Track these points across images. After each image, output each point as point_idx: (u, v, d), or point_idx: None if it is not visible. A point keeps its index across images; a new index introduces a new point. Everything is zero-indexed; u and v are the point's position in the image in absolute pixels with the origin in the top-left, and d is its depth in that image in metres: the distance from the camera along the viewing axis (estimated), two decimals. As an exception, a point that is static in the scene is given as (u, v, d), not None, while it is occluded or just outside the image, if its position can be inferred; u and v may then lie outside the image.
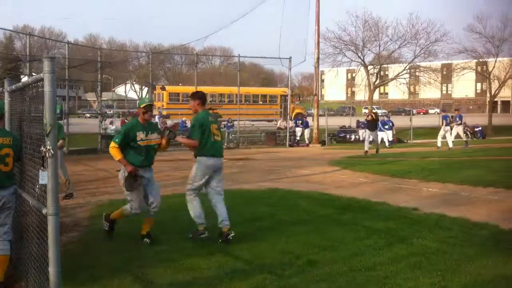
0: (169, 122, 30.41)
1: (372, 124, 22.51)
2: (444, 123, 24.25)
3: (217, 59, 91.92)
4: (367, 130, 22.87)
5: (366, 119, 23.49)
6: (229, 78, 71.42)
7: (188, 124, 28.86)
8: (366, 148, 21.92)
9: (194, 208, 7.16)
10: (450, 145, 23.70)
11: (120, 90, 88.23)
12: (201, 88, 37.27)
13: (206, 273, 5.58)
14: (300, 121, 30.13)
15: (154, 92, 39.52)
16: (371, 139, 22.50)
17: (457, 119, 24.79)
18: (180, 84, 54.34)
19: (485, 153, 21.14)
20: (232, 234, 6.80)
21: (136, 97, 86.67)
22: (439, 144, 24.27)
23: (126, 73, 69.55)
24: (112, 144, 6.70)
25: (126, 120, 31.36)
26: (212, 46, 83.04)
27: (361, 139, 31.53)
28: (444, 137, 24.11)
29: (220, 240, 6.83)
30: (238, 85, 28.43)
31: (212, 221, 7.09)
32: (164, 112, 34.43)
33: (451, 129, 24.20)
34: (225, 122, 29.42)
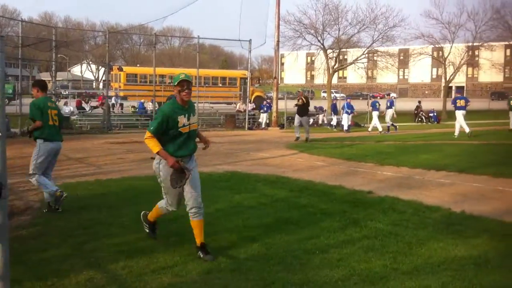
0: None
1: (302, 109, 20.43)
2: (372, 109, 26.49)
3: (176, 40, 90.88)
4: (296, 115, 20.71)
5: (296, 104, 20.88)
6: (188, 60, 70.77)
7: (148, 107, 28.65)
8: (297, 134, 20.42)
9: (44, 182, 7.63)
10: (380, 129, 25.57)
11: (76, 70, 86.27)
12: (159, 70, 36.93)
13: (161, 256, 5.51)
14: (265, 108, 30.03)
15: (111, 72, 38.76)
16: (299, 124, 20.53)
17: (388, 103, 26.54)
18: (138, 65, 53.44)
19: (441, 137, 21.65)
20: (65, 195, 7.55)
21: (92, 78, 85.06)
22: (380, 129, 25.65)
23: (82, 53, 68.05)
24: (147, 134, 5.45)
25: (83, 101, 30.80)
26: (172, 26, 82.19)
27: (319, 122, 31.82)
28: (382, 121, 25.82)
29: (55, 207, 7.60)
30: (197, 67, 28.15)
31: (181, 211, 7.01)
32: (121, 94, 33.85)
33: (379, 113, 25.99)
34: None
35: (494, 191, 9.42)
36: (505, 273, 5.01)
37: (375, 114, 25.99)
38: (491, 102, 53.79)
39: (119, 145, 17.68)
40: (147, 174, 10.98)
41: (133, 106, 30.63)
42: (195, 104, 23.66)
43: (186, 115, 5.51)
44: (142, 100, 29.71)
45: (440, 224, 6.94)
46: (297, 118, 20.61)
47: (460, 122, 21.54)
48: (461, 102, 21.61)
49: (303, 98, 20.55)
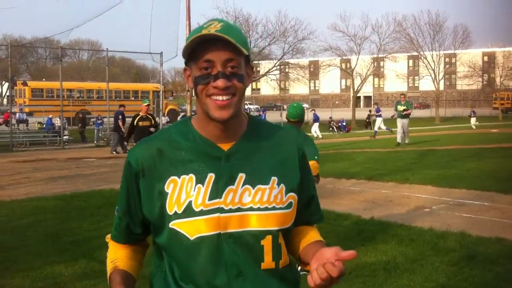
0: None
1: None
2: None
3: (85, 53, 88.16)
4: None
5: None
6: (98, 73, 68.89)
7: (56, 123, 27.44)
8: None
9: None
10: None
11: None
12: (67, 84, 35.73)
13: (68, 280, 5.25)
14: None
15: (15, 88, 36.96)
16: None
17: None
18: (44, 80, 51.30)
19: (352, 145, 22.37)
20: None
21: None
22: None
23: (-18, 67, 64.35)
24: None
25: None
26: (79, 39, 79.41)
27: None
28: None
29: None
30: (107, 80, 27.40)
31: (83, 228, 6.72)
32: (26, 109, 32.33)
33: None
34: (94, 119, 28.33)
35: (401, 197, 9.82)
36: (412, 277, 5.20)
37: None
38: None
39: (24, 164, 16.81)
40: (55, 193, 10.52)
41: (39, 122, 29.30)
42: (106, 119, 22.19)
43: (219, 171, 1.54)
44: (50, 116, 28.51)
45: (351, 231, 7.12)
46: None
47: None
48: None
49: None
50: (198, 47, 1.46)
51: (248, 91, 55.28)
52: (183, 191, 1.48)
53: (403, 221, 7.68)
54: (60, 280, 5.25)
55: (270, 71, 41.91)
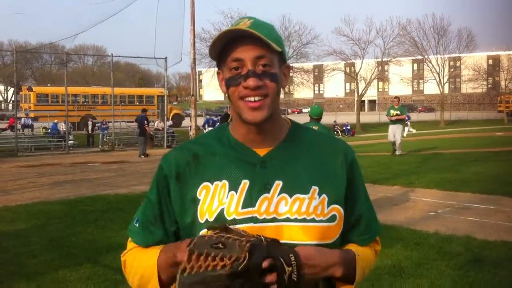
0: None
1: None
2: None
3: (89, 58, 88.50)
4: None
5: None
6: (103, 78, 69.07)
7: (61, 127, 27.54)
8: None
9: None
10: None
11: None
12: (72, 89, 35.81)
13: (74, 285, 5.25)
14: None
15: (20, 93, 37.13)
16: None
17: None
18: (49, 85, 51.51)
19: (356, 149, 22.26)
20: None
21: (0, 98, 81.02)
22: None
23: (-12, 73, 64.72)
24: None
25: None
26: (84, 44, 79.94)
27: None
28: None
29: None
30: (112, 85, 27.48)
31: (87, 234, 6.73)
32: (32, 115, 32.44)
33: None
34: (99, 124, 28.41)
35: (406, 201, 9.79)
36: (418, 281, 5.17)
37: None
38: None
39: (29, 169, 16.86)
40: (59, 198, 10.54)
41: (44, 127, 29.40)
42: (111, 124, 22.25)
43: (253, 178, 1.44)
44: (56, 121, 28.61)
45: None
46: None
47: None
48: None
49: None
50: (228, 47, 1.38)
51: (252, 96, 55.16)
52: (216, 198, 1.39)
53: (408, 225, 7.66)
54: (65, 285, 5.25)
55: (275, 75, 41.89)
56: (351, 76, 49.32)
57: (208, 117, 29.28)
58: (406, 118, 18.34)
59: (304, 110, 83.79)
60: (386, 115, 19.31)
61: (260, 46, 1.35)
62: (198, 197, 1.40)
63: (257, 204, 1.37)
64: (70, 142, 25.30)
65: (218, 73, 1.47)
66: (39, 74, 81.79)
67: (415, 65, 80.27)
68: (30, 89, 38.80)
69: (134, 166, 17.40)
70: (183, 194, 1.43)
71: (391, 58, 45.84)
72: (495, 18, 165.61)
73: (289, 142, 1.47)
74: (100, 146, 26.72)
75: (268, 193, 1.38)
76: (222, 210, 1.37)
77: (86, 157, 21.65)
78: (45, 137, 27.42)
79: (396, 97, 19.16)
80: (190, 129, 29.49)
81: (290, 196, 1.38)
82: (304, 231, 1.36)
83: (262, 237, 1.24)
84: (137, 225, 1.51)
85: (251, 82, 1.34)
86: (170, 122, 31.77)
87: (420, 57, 50.84)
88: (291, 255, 1.24)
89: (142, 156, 21.31)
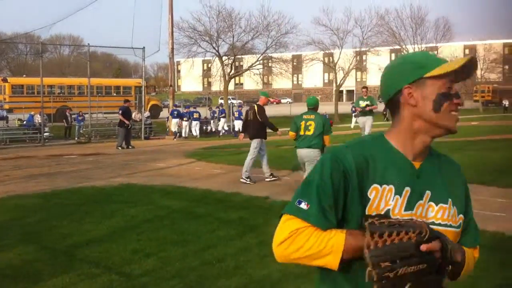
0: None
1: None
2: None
3: (66, 48, 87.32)
4: None
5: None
6: (80, 68, 68.26)
7: (37, 119, 27.12)
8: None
9: None
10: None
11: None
12: (48, 80, 35.28)
13: (48, 279, 5.19)
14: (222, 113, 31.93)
15: (-5, 84, 36.48)
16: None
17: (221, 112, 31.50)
18: (24, 76, 50.67)
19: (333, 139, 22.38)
20: None
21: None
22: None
23: (-39, 64, 63.51)
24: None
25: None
26: (60, 34, 78.64)
27: (214, 129, 31.70)
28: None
29: None
30: (88, 76, 27.14)
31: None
32: (6, 106, 31.91)
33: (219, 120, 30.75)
34: (75, 115, 28.06)
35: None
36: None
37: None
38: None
39: (4, 161, 16.60)
40: (35, 191, 10.40)
41: (19, 119, 28.95)
42: (87, 115, 21.99)
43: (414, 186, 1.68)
44: (32, 113, 28.17)
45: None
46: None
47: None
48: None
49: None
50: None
51: (231, 86, 55.07)
52: (383, 200, 1.60)
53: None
54: (40, 279, 5.19)
55: (253, 65, 41.81)
56: (330, 66, 49.38)
57: (174, 108, 28.91)
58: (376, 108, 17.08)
59: (283, 101, 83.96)
60: (355, 106, 18.59)
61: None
62: (369, 196, 1.60)
63: (414, 209, 1.64)
64: (45, 134, 24.92)
65: (408, 87, 1.68)
66: (14, 64, 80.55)
67: (393, 55, 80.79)
68: (5, 80, 38.11)
69: (111, 158, 17.23)
70: (357, 191, 1.60)
71: (369, 48, 45.97)
72: (472, 8, 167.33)
73: (431, 158, 1.74)
74: (76, 138, 26.41)
75: (422, 200, 1.65)
76: (388, 210, 1.60)
77: (62, 149, 21.37)
78: (20, 129, 27.00)
79: (364, 87, 18.19)
80: (168, 120, 29.36)
81: (436, 205, 1.67)
82: (445, 234, 1.60)
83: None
84: (305, 207, 1.59)
85: (460, 100, 1.67)
86: (147, 113, 31.48)
87: (398, 47, 51.14)
88: (446, 237, 1.56)
89: (120, 148, 21.09)
